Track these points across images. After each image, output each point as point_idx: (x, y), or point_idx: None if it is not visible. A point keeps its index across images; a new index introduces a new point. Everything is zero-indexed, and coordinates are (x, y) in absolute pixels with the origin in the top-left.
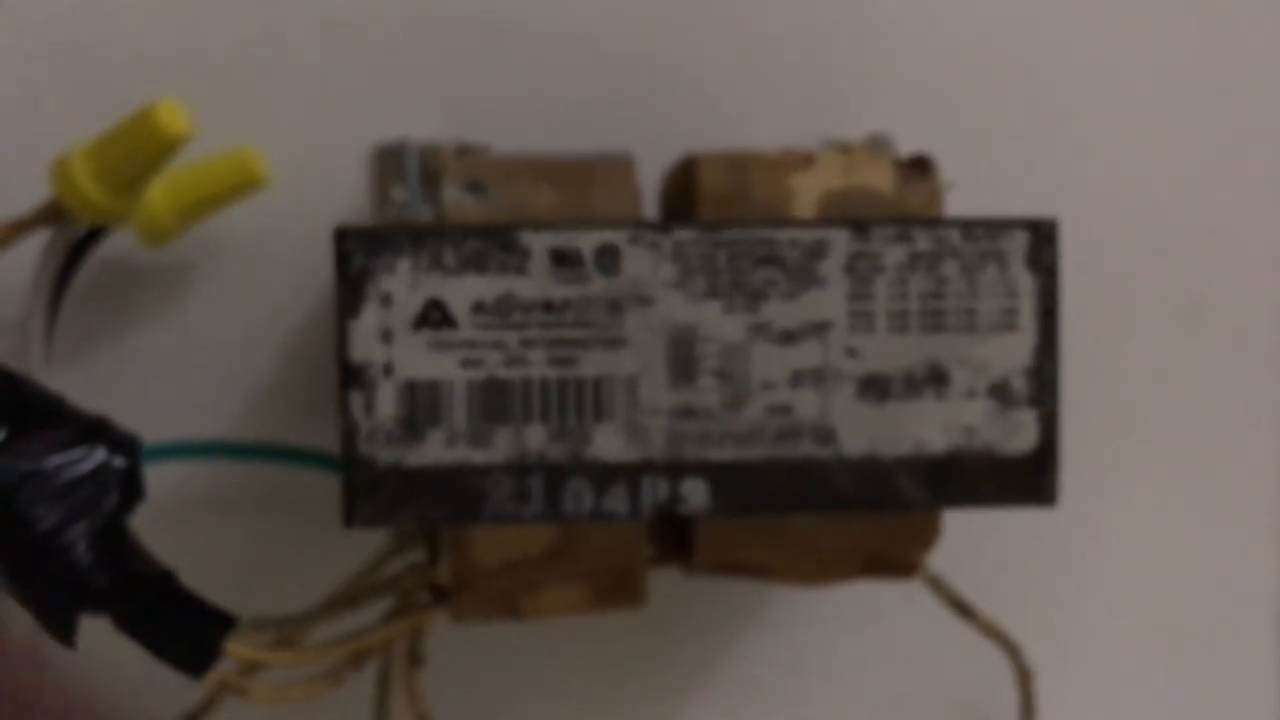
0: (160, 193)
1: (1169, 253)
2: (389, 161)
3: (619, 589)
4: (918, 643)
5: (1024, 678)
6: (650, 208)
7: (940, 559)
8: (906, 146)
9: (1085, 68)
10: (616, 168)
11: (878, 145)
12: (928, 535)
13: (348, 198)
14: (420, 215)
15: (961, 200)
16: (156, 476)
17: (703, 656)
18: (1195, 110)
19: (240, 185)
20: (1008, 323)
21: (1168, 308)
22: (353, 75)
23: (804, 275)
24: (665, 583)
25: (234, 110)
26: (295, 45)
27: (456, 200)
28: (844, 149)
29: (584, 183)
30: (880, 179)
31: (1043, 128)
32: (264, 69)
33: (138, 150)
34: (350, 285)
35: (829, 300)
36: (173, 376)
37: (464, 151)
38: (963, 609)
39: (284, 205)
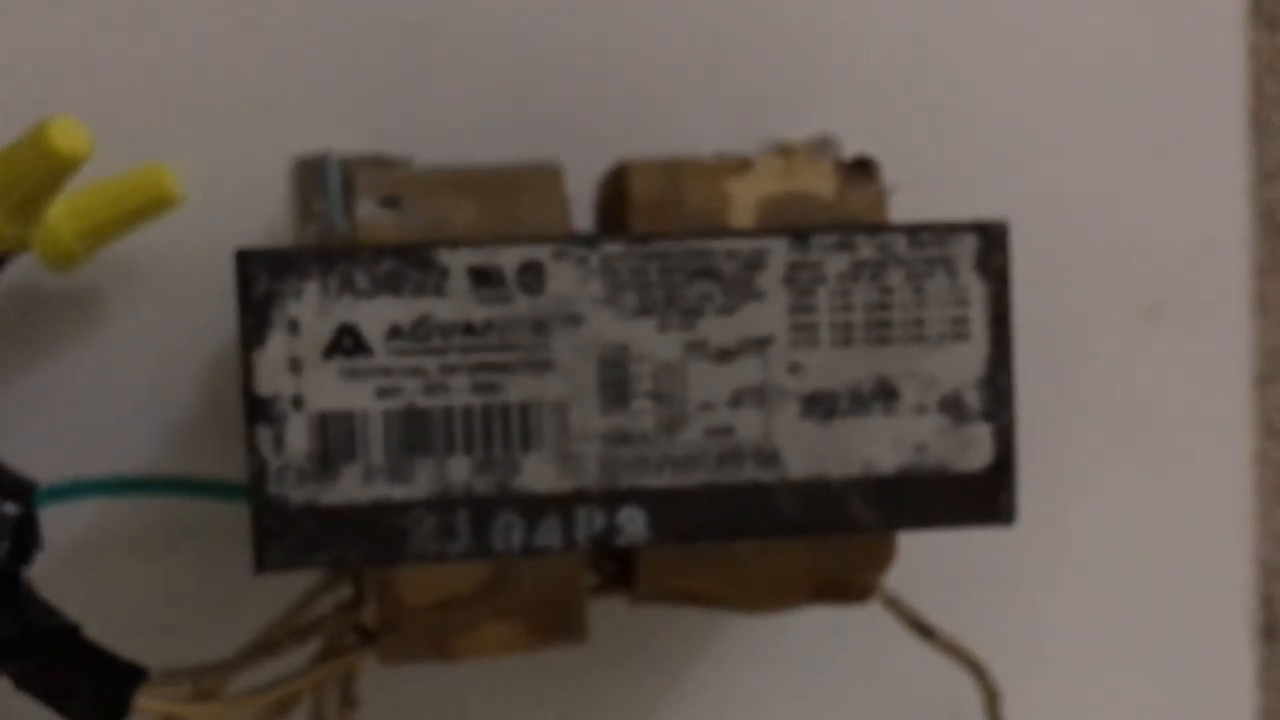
0: (63, 215)
1: (1125, 251)
2: (310, 174)
3: (558, 625)
4: (879, 665)
5: (990, 698)
6: (585, 218)
7: (897, 574)
8: (853, 147)
9: (1037, 64)
10: (543, 178)
11: (823, 146)
12: (882, 557)
13: (268, 214)
14: (343, 231)
15: (909, 203)
16: (69, 516)
17: (653, 687)
18: (1145, 106)
19: (151, 204)
20: (958, 332)
21: (1127, 306)
22: (270, 84)
23: (741, 288)
24: (610, 610)
25: (145, 124)
26: (209, 54)
27: (370, 216)
28: (784, 150)
29: (508, 195)
30: (821, 183)
31: (992, 126)
32: (177, 80)
33: (32, 172)
34: (254, 312)
35: (769, 314)
36: (84, 409)
37: (381, 163)
38: (923, 629)
39: (200, 223)
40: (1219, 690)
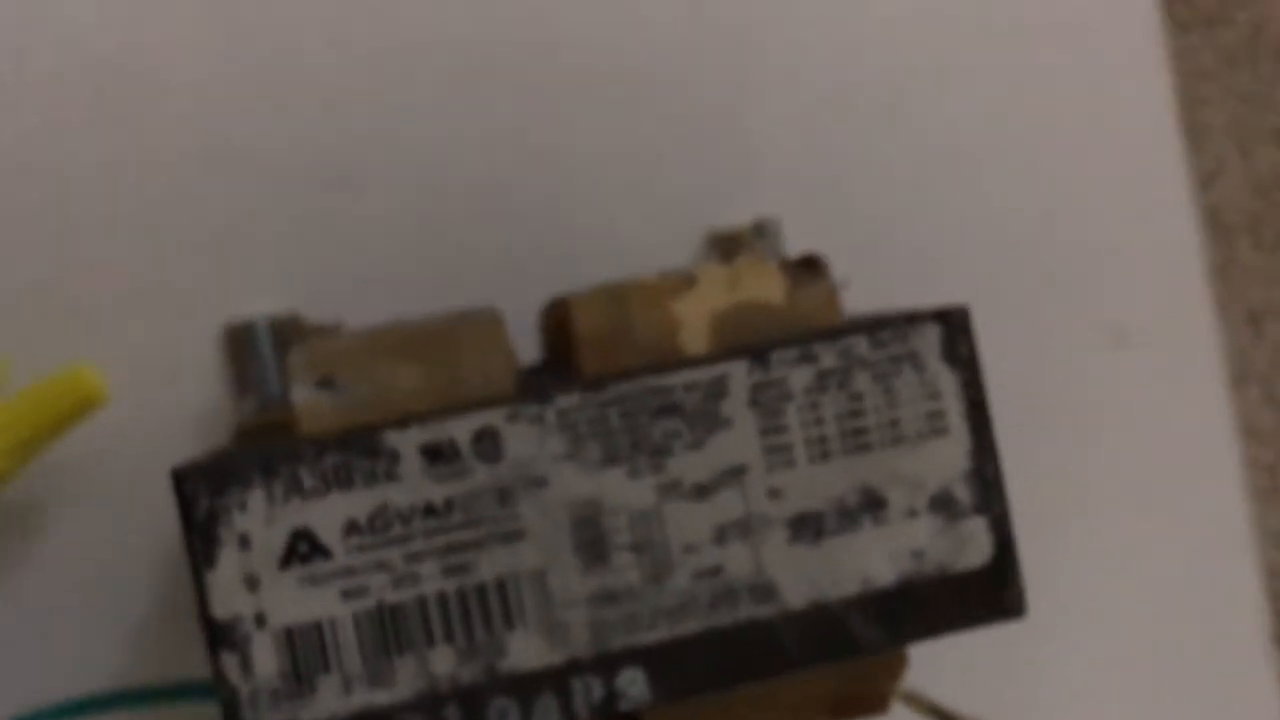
0: None
1: (1080, 284)
2: (240, 342)
3: None
4: None
5: None
6: (530, 344)
7: None
8: (791, 221)
9: (963, 110)
10: (482, 328)
11: (762, 233)
12: (895, 667)
13: (203, 391)
14: (282, 397)
15: (862, 279)
16: None
17: None
18: (1074, 135)
19: (77, 408)
20: (935, 427)
21: (1093, 338)
22: (186, 254)
23: (707, 419)
24: None
25: (57, 318)
26: (112, 229)
27: (308, 402)
28: (723, 241)
29: (449, 353)
30: (770, 289)
31: (933, 176)
32: (82, 261)
33: None
34: (199, 532)
35: (739, 441)
36: (35, 630)
37: (312, 333)
38: (944, 717)
39: (132, 415)
40: (1241, 704)
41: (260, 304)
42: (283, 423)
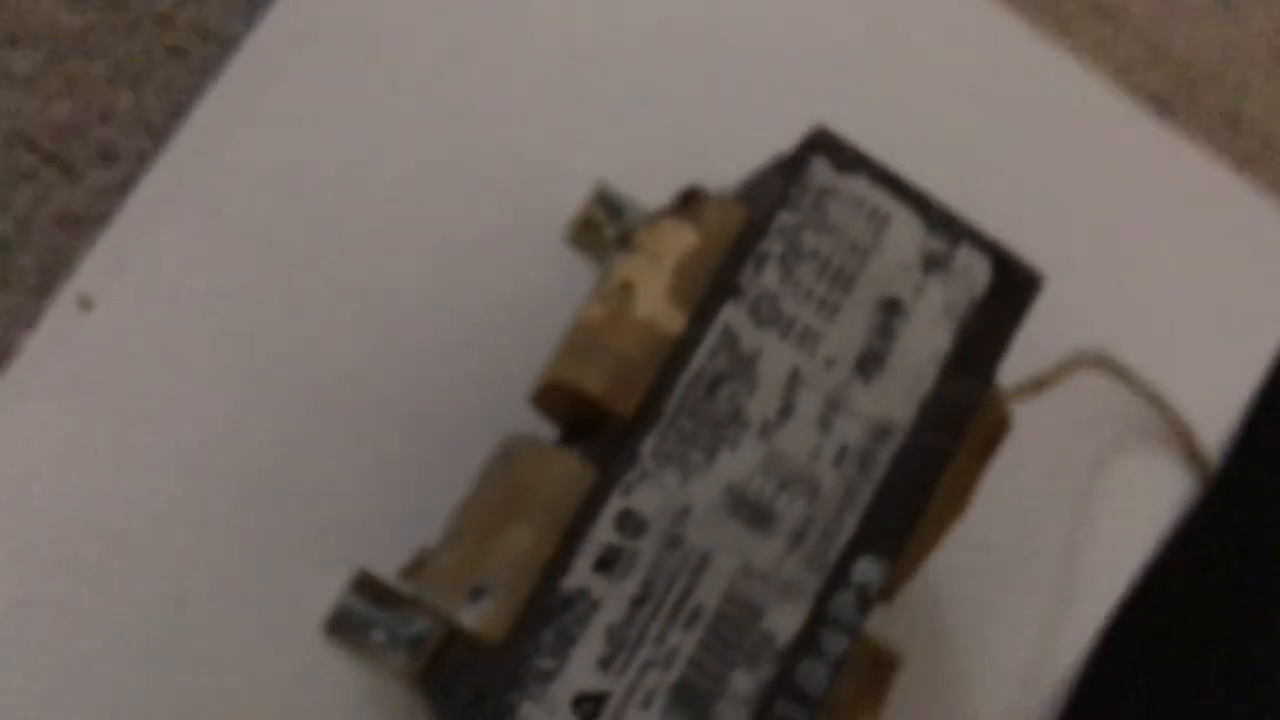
0: None
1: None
2: (345, 623)
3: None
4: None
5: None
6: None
7: None
8: (650, 137)
9: None
10: (531, 454)
11: (606, 201)
12: (995, 391)
13: (345, 683)
14: (420, 630)
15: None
16: None
17: None
18: None
19: None
20: (880, 218)
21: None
22: (239, 570)
23: (745, 364)
24: None
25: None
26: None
27: (478, 616)
28: (586, 227)
29: (528, 489)
30: (682, 238)
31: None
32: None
33: None
34: None
35: (776, 356)
36: None
37: (418, 566)
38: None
39: None
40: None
41: (326, 586)
42: (446, 646)
